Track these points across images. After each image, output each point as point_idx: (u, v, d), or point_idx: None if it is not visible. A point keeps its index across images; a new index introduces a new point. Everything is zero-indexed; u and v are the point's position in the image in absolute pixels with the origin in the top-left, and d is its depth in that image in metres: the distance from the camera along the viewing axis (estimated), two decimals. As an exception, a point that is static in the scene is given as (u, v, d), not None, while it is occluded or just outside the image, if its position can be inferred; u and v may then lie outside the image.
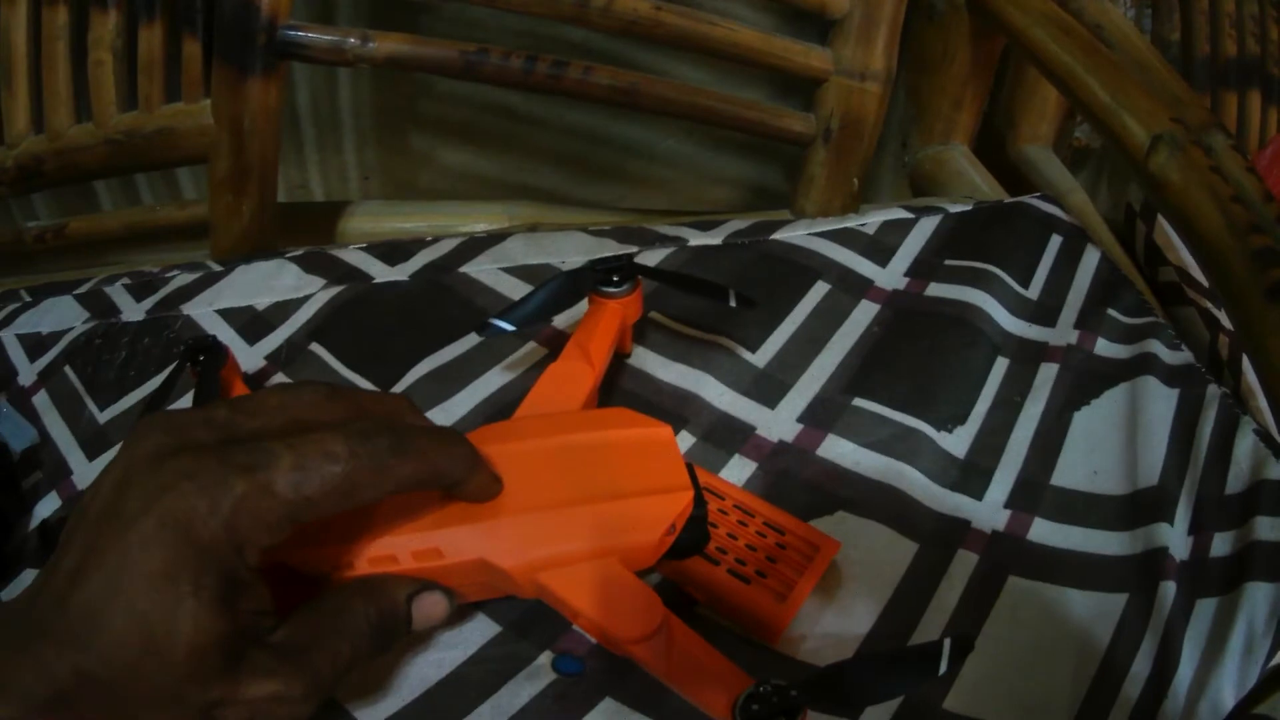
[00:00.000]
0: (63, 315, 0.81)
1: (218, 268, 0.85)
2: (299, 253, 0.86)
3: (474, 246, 0.88)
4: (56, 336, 0.80)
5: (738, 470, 0.70)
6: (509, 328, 0.68)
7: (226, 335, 0.79)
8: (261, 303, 0.82)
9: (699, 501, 0.55)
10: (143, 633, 0.39)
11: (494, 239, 0.89)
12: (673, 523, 0.53)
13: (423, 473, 0.47)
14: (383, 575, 0.50)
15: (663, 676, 0.50)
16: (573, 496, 0.53)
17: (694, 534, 0.56)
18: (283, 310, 0.81)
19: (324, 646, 0.45)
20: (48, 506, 0.68)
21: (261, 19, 0.90)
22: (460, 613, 0.59)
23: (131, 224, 1.05)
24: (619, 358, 0.77)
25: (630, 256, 0.74)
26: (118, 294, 0.83)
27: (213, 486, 0.40)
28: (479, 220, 1.10)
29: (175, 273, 0.85)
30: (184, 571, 0.40)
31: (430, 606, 0.50)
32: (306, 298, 0.82)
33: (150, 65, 0.94)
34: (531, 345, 0.78)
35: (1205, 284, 1.03)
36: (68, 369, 0.78)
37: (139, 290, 0.83)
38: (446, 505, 0.51)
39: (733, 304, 0.71)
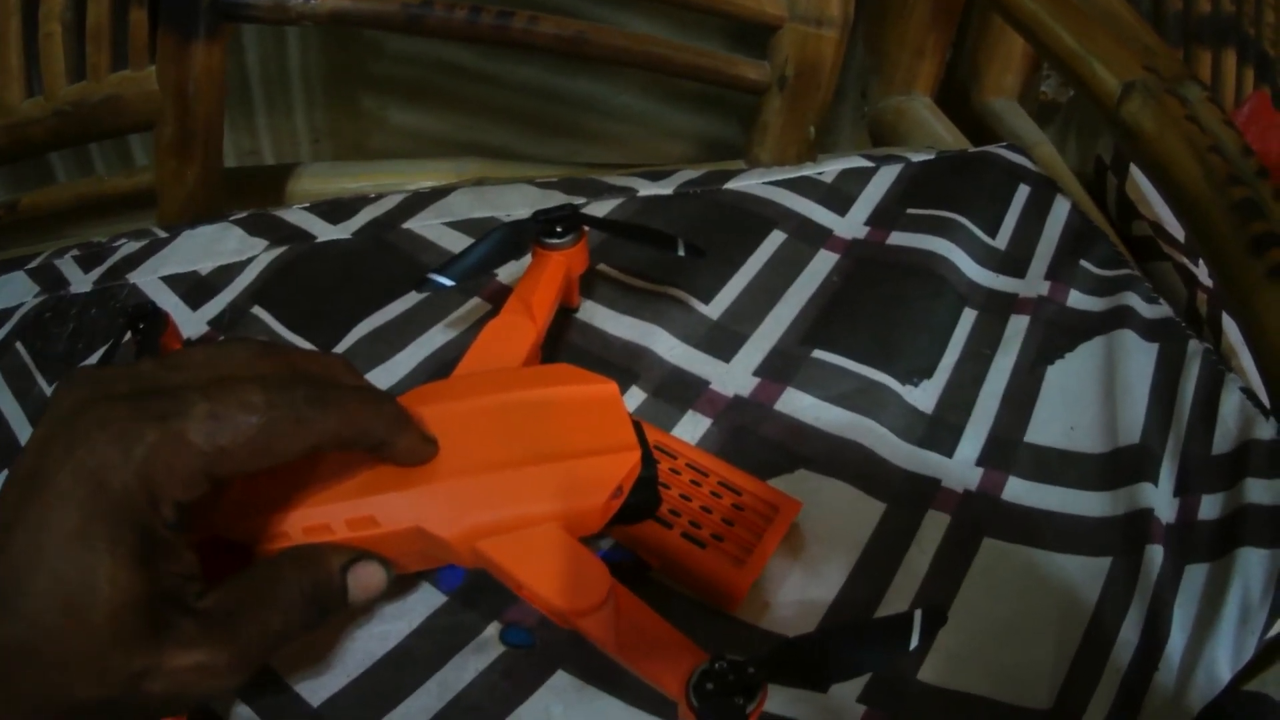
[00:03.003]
0: (15, 291, 0.80)
1: (163, 234, 0.84)
2: (243, 215, 0.85)
3: (418, 202, 0.86)
4: (9, 313, 0.79)
5: (691, 427, 0.69)
6: (448, 283, 0.66)
7: (171, 302, 0.78)
8: (205, 267, 0.80)
9: (648, 461, 0.53)
10: (63, 594, 0.39)
11: (438, 193, 0.88)
12: (619, 484, 0.51)
13: (344, 428, 0.45)
14: (317, 544, 0.48)
15: (611, 651, 0.49)
16: (512, 459, 0.51)
17: (644, 496, 0.53)
18: (226, 274, 0.80)
19: (253, 616, 0.44)
20: None
21: None
22: (403, 580, 0.58)
23: (82, 195, 1.06)
24: (566, 312, 0.75)
25: (575, 206, 0.72)
26: (67, 266, 0.82)
27: (124, 435, 0.40)
28: (428, 178, 1.09)
29: (122, 241, 0.84)
30: (99, 527, 0.39)
31: (367, 577, 0.49)
32: (249, 260, 0.80)
33: (98, 34, 0.94)
34: (475, 301, 0.77)
35: (1181, 238, 1.03)
36: (19, 345, 0.77)
37: (87, 261, 0.82)
38: (382, 471, 0.49)
39: (681, 253, 0.69)
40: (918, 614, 0.46)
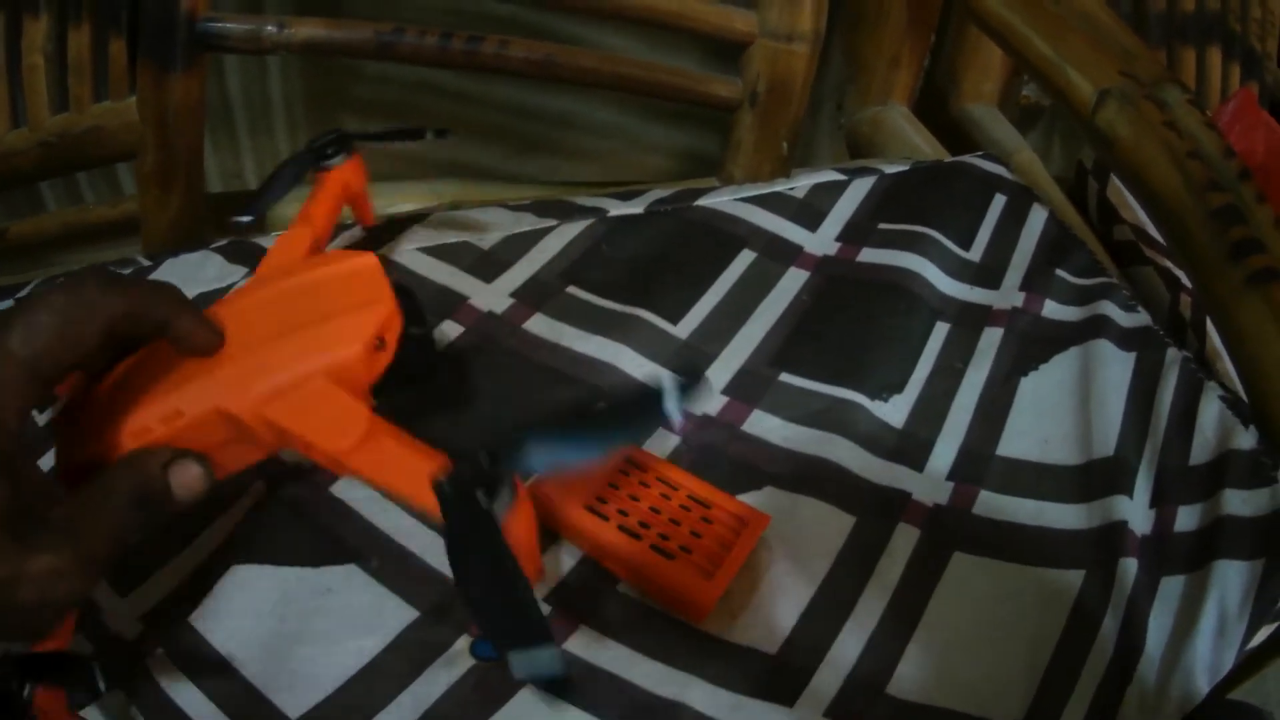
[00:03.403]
0: None
1: (147, 262, 0.84)
2: (223, 243, 0.86)
3: (393, 227, 0.87)
4: None
5: (660, 443, 0.69)
6: (249, 219, 0.74)
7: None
8: (187, 295, 0.80)
9: (416, 321, 0.61)
10: None
11: (414, 218, 0.88)
12: (378, 336, 0.56)
13: (129, 305, 0.51)
14: (139, 449, 0.53)
15: (379, 488, 0.55)
16: (281, 330, 0.56)
17: (412, 352, 0.59)
18: (207, 302, 0.79)
19: (90, 520, 0.48)
20: None
21: (181, 13, 0.91)
22: (378, 599, 0.60)
23: (69, 224, 1.06)
24: (525, 334, 0.76)
25: (341, 130, 0.76)
26: None
27: None
28: (406, 200, 1.09)
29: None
30: None
31: (185, 473, 0.53)
32: (230, 287, 0.81)
33: (80, 66, 0.94)
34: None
35: (1163, 242, 1.03)
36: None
37: None
38: (184, 370, 0.54)
39: (431, 138, 0.77)
40: (672, 379, 0.51)
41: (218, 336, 0.55)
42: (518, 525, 0.51)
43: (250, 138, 1.37)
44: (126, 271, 0.82)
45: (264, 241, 0.85)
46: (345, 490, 0.65)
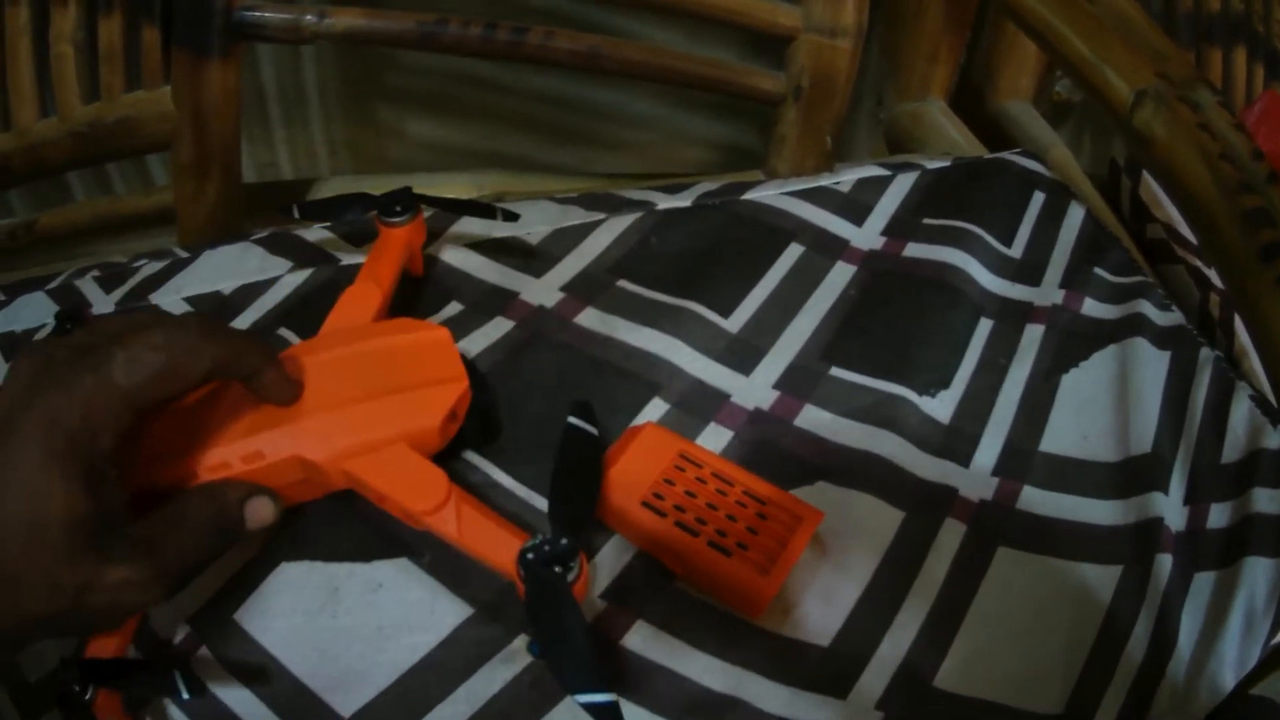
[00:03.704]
0: (36, 312, 0.81)
1: (184, 254, 0.84)
2: (264, 234, 0.86)
3: (440, 221, 0.87)
4: (30, 334, 0.79)
5: (714, 439, 0.70)
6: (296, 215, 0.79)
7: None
8: (228, 287, 0.81)
9: (482, 390, 0.67)
10: (27, 517, 0.47)
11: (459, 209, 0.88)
12: (452, 409, 0.62)
13: (227, 355, 0.55)
14: (217, 481, 0.58)
15: (456, 542, 0.58)
16: (364, 395, 0.61)
17: (483, 422, 0.68)
18: (248, 293, 0.81)
19: (169, 539, 0.53)
20: None
21: (218, 1, 0.91)
22: (431, 594, 0.61)
23: (100, 215, 1.06)
24: (581, 331, 0.77)
25: (409, 189, 0.78)
26: (88, 286, 0.82)
27: (69, 385, 0.49)
28: (447, 192, 1.08)
29: (143, 262, 0.84)
30: (54, 459, 0.48)
31: (260, 508, 0.58)
32: (273, 280, 0.81)
33: (111, 55, 0.94)
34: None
35: (1194, 241, 1.03)
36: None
37: (108, 282, 0.83)
38: (263, 416, 0.60)
39: (499, 219, 0.80)
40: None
41: (298, 389, 0.60)
42: (578, 590, 0.56)
43: (284, 128, 1.38)
44: (164, 263, 0.83)
45: (307, 235, 0.85)
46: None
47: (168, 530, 0.53)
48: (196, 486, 0.57)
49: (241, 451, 0.58)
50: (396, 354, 0.64)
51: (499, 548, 0.57)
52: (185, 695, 0.52)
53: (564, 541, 0.56)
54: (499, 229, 0.85)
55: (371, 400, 0.61)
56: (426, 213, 0.80)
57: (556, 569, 0.55)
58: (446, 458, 0.67)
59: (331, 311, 0.70)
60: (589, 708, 0.50)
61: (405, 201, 0.77)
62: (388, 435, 0.60)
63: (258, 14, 0.93)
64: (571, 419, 0.65)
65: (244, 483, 0.58)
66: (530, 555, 0.55)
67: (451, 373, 0.64)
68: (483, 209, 0.80)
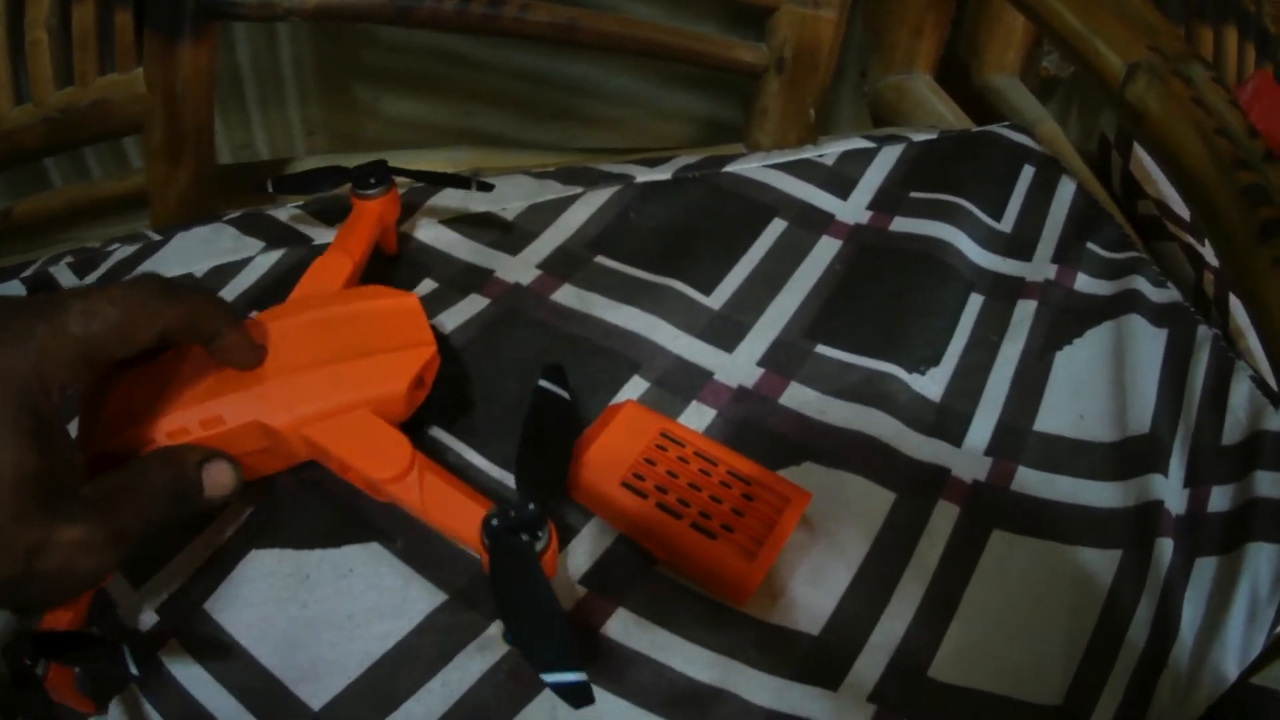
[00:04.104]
0: None
1: (156, 237, 0.83)
2: (236, 215, 0.85)
3: (414, 195, 0.86)
4: None
5: (696, 417, 0.69)
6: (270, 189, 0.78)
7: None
8: (200, 269, 0.80)
9: (452, 361, 0.67)
10: None
11: (434, 189, 0.88)
12: (419, 375, 0.61)
13: (184, 315, 0.54)
14: (177, 445, 0.56)
15: (419, 513, 0.57)
16: (328, 358, 0.60)
17: (452, 392, 0.67)
18: (222, 274, 0.80)
19: (125, 501, 0.51)
20: None
21: None
22: (404, 580, 0.59)
23: (75, 200, 1.07)
24: (559, 306, 0.76)
25: (384, 161, 0.77)
26: (61, 273, 0.82)
27: (21, 333, 0.48)
28: (422, 166, 1.08)
29: (115, 246, 0.83)
30: (3, 411, 0.46)
31: (218, 473, 0.56)
32: (246, 261, 0.80)
33: (84, 39, 0.94)
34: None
35: (1187, 218, 1.03)
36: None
37: (81, 267, 0.82)
38: (225, 380, 0.58)
39: (474, 189, 0.79)
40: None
41: (261, 353, 0.60)
42: (548, 562, 0.55)
43: (260, 109, 1.37)
44: (137, 247, 0.82)
45: (280, 214, 0.84)
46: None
47: (122, 492, 0.52)
48: (155, 450, 0.56)
49: (201, 416, 0.57)
50: (363, 319, 0.63)
51: (465, 518, 0.56)
52: (134, 671, 0.50)
53: (531, 508, 0.55)
54: (474, 203, 0.84)
55: (335, 364, 0.60)
56: (401, 189, 0.79)
57: (523, 537, 0.54)
58: (418, 436, 0.66)
59: (300, 280, 0.70)
60: (558, 688, 0.48)
61: (379, 174, 0.76)
62: (351, 400, 0.59)
63: (229, -8, 0.92)
64: (542, 382, 0.63)
65: (202, 447, 0.57)
66: (495, 522, 0.54)
67: (419, 338, 0.63)
68: (457, 180, 0.79)
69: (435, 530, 0.59)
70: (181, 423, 0.57)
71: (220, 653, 0.57)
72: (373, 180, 0.76)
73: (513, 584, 0.52)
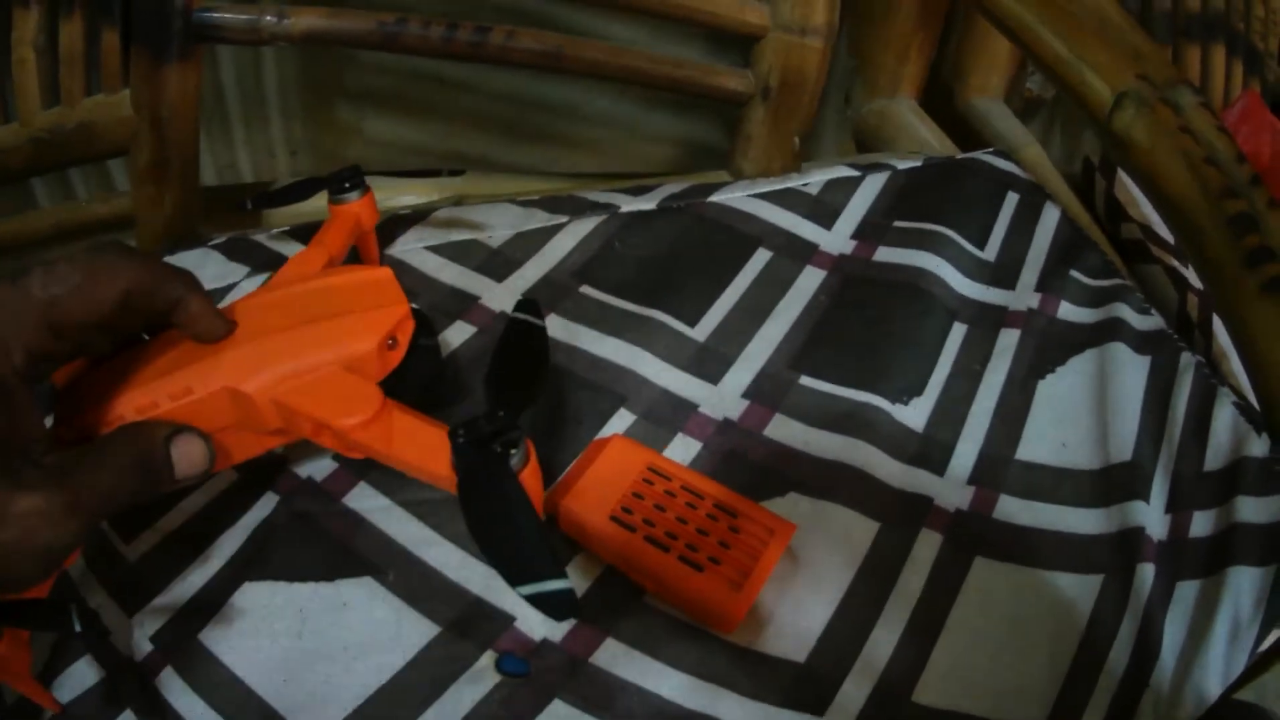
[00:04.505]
0: None
1: None
2: (222, 240, 0.86)
3: (398, 224, 0.87)
4: None
5: (682, 450, 0.70)
6: (249, 207, 0.80)
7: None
8: None
9: (427, 331, 0.64)
10: None
11: (419, 215, 0.88)
12: (391, 334, 0.60)
13: (146, 276, 0.54)
14: (145, 420, 0.56)
15: (390, 458, 0.58)
16: (297, 322, 0.60)
17: (425, 361, 0.64)
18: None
19: (88, 473, 0.50)
20: None
21: (176, 3, 0.90)
22: (396, 614, 0.60)
23: (60, 222, 1.05)
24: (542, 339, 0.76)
25: (359, 167, 0.77)
26: None
27: None
28: (408, 194, 1.10)
29: None
30: None
31: (188, 446, 0.55)
32: (230, 286, 0.81)
33: (71, 59, 0.93)
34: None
35: (1171, 241, 1.04)
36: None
37: None
38: (193, 352, 0.58)
39: (445, 174, 0.84)
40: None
41: (229, 324, 0.59)
42: (530, 482, 0.54)
43: (244, 129, 1.37)
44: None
45: (262, 239, 0.85)
46: (358, 501, 0.66)
47: (86, 464, 0.50)
48: (123, 425, 0.55)
49: (169, 389, 0.56)
50: (335, 289, 0.63)
51: (439, 453, 0.56)
52: (78, 628, 0.50)
53: (501, 415, 0.55)
54: (459, 231, 0.85)
55: (304, 327, 0.60)
56: (381, 204, 0.80)
57: (495, 449, 0.53)
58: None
59: (278, 272, 0.70)
60: (540, 600, 0.49)
61: (354, 178, 0.77)
62: (321, 360, 0.58)
63: (216, 15, 0.92)
64: (516, 313, 0.64)
65: (171, 422, 0.55)
66: (461, 435, 0.54)
67: (390, 299, 0.62)
68: (427, 172, 0.82)
69: (411, 474, 0.58)
70: (150, 397, 0.56)
71: (217, 683, 0.57)
72: (348, 185, 0.76)
73: (486, 498, 0.52)
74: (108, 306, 0.53)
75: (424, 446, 0.56)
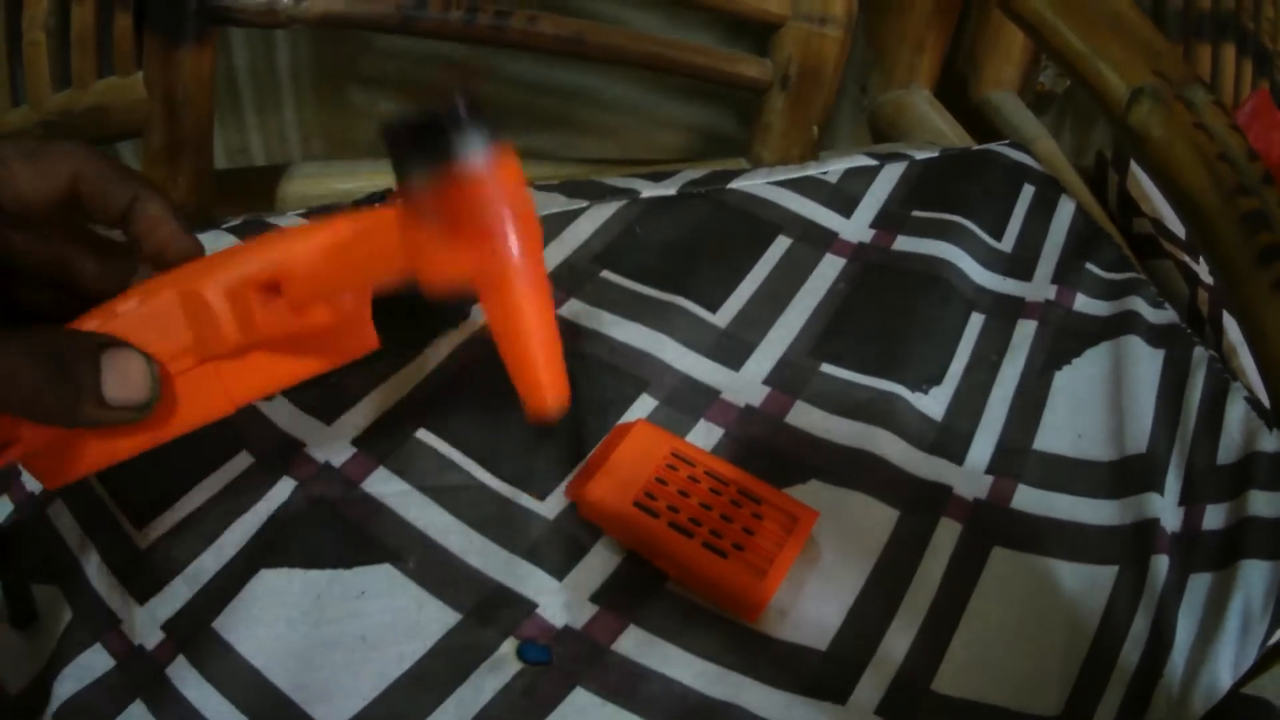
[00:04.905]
0: None
1: None
2: (236, 223, 0.85)
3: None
4: None
5: (704, 435, 0.71)
6: None
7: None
8: None
9: None
10: None
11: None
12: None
13: (97, 163, 0.49)
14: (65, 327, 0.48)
15: (337, 255, 0.47)
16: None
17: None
18: None
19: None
20: (1, 511, 0.66)
21: None
22: (417, 602, 0.60)
23: None
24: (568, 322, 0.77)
25: (390, 189, 0.75)
26: None
27: None
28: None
29: None
30: None
31: (123, 361, 0.46)
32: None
33: (83, 41, 0.93)
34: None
35: (1182, 236, 1.04)
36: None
37: None
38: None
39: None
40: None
41: (194, 242, 0.51)
42: (506, 180, 0.43)
43: (257, 113, 1.37)
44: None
45: (280, 223, 0.85)
46: (376, 486, 0.66)
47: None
48: (36, 327, 0.47)
49: (117, 306, 0.48)
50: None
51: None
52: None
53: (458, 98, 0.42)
54: None
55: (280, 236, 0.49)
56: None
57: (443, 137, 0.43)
58: (413, 441, 0.67)
59: None
60: None
61: (383, 199, 0.73)
62: (293, 251, 0.48)
63: (232, -3, 0.92)
64: None
65: (103, 333, 0.47)
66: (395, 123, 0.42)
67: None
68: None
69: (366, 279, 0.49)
70: (95, 318, 0.48)
71: (231, 672, 0.57)
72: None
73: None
74: (56, 189, 0.48)
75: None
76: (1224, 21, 1.34)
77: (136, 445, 0.50)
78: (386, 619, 0.60)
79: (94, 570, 0.61)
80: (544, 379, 0.45)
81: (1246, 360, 0.82)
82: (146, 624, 0.59)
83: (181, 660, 0.57)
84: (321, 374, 0.52)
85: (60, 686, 0.56)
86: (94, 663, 0.57)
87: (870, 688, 0.59)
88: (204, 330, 0.48)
